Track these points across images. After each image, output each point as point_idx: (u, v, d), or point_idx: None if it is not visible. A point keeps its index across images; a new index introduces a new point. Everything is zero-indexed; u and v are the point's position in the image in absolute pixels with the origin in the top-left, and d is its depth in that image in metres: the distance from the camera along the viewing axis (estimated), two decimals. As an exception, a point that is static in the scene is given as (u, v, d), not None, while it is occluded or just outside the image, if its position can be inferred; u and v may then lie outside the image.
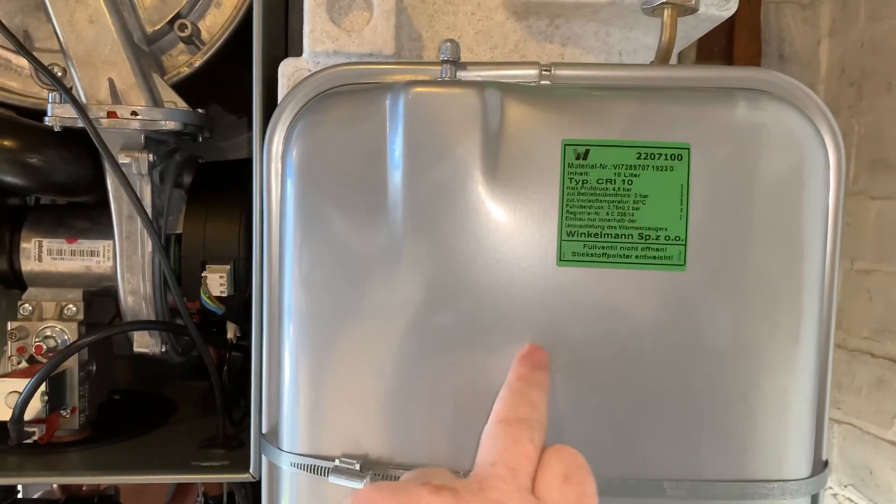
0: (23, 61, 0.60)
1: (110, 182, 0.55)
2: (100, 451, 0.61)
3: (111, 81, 0.55)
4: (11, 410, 0.55)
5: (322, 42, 0.50)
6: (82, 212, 0.63)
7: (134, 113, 0.53)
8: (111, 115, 0.53)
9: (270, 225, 0.48)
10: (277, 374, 0.48)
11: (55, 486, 0.68)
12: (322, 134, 0.45)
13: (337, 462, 0.44)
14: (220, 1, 0.62)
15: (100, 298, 0.65)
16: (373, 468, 0.44)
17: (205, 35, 0.62)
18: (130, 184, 0.53)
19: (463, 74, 0.46)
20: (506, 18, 0.56)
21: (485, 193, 0.43)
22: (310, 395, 0.46)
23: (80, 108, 0.52)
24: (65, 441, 0.62)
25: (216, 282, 0.57)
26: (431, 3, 0.56)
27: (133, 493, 0.69)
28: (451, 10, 0.56)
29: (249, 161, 0.67)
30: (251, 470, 0.54)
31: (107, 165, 0.54)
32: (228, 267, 0.58)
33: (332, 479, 0.44)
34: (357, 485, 0.44)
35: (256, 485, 0.73)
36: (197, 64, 0.61)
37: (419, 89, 0.43)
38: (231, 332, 0.61)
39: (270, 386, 0.49)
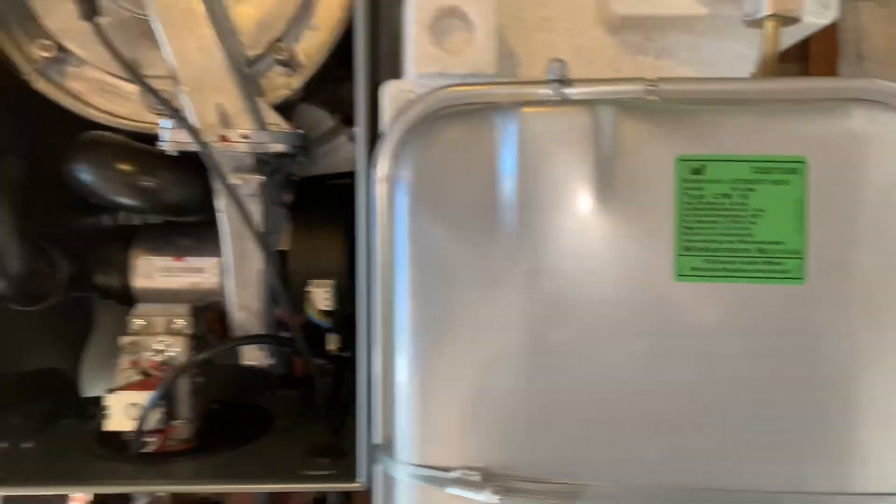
0: (132, 87, 0.63)
1: (221, 202, 0.58)
2: (209, 460, 0.63)
3: (220, 106, 0.57)
4: (131, 421, 0.58)
5: (426, 64, 0.52)
6: (186, 230, 0.66)
7: (245, 137, 0.56)
8: (223, 139, 0.56)
9: (379, 242, 0.50)
10: (390, 385, 0.50)
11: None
12: (434, 155, 0.47)
13: (458, 473, 0.46)
14: (315, 24, 0.64)
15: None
16: (493, 480, 0.45)
17: (301, 57, 0.64)
18: (243, 203, 0.55)
19: (570, 92, 0.47)
20: (601, 34, 0.57)
21: (597, 210, 0.44)
22: (426, 406, 0.48)
23: (195, 134, 0.55)
24: (174, 450, 0.65)
25: (321, 296, 0.59)
26: (526, 20, 0.57)
27: (240, 501, 0.72)
28: (546, 27, 0.57)
29: (347, 178, 0.70)
30: (359, 479, 0.55)
31: (218, 187, 0.57)
32: (332, 282, 0.60)
33: (452, 490, 0.46)
34: (477, 496, 0.45)
35: (347, 494, 0.74)
36: (296, 85, 0.63)
37: (530, 109, 0.45)
38: (332, 344, 0.63)
39: (384, 398, 0.51)
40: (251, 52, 0.62)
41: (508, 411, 0.46)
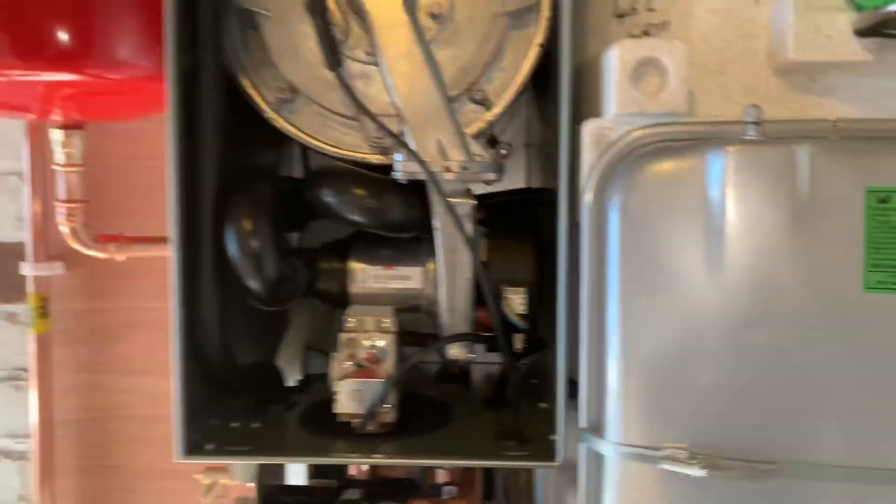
0: (352, 123, 0.74)
1: (437, 221, 0.68)
2: (412, 441, 0.74)
3: (439, 141, 0.68)
4: (355, 404, 0.69)
5: (627, 105, 0.61)
6: (393, 243, 0.77)
7: (463, 167, 0.66)
8: (446, 169, 0.66)
9: (588, 256, 0.60)
10: (598, 377, 0.59)
11: (364, 469, 0.82)
12: (647, 183, 0.56)
13: (668, 451, 0.55)
14: (503, 66, 0.74)
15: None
16: (699, 457, 0.54)
17: (491, 95, 0.74)
18: (461, 223, 0.66)
19: (765, 129, 0.55)
20: (769, 76, 0.65)
21: (795, 232, 0.52)
22: (636, 394, 0.57)
23: (425, 166, 0.65)
24: (379, 433, 0.76)
25: (518, 301, 0.69)
26: (704, 65, 0.66)
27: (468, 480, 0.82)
28: (721, 70, 0.65)
29: (533, 198, 0.80)
30: (558, 458, 0.65)
31: (437, 208, 0.67)
32: (524, 289, 0.70)
33: (664, 465, 0.55)
34: (688, 471, 0.54)
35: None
36: (489, 120, 0.73)
37: (733, 148, 0.53)
38: (518, 343, 0.73)
39: (591, 388, 0.60)
40: (452, 92, 0.73)
41: (710, 398, 0.55)
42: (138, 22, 0.81)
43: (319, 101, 0.74)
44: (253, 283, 0.68)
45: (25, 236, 1.09)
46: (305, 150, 0.93)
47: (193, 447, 0.69)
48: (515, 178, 1.01)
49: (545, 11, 0.72)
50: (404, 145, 0.66)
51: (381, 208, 0.70)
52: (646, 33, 0.68)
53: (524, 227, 0.74)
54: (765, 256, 0.53)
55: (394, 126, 0.70)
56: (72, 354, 1.13)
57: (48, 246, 1.10)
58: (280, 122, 0.74)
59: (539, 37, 0.72)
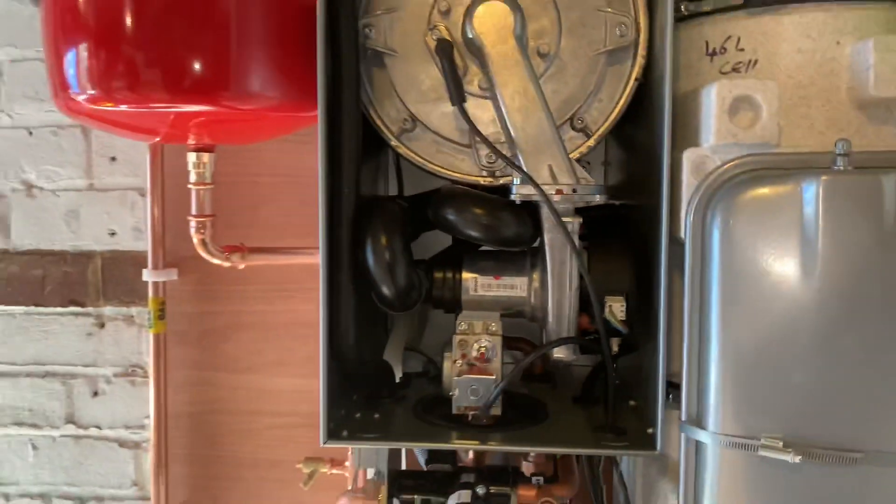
0: (463, 149, 0.83)
1: (548, 238, 0.77)
2: (517, 431, 0.83)
3: (550, 167, 0.77)
4: (471, 399, 0.79)
5: (724, 137, 0.69)
6: (500, 255, 0.86)
7: (574, 190, 0.75)
8: (558, 192, 0.75)
9: (690, 267, 0.68)
10: (700, 374, 0.68)
11: (470, 456, 0.91)
12: (748, 204, 0.64)
13: (764, 440, 0.63)
14: (601, 98, 0.83)
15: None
16: (791, 446, 0.62)
17: (591, 124, 0.83)
18: (571, 237, 0.75)
19: (853, 160, 0.63)
20: (850, 108, 0.72)
21: (882, 252, 0.60)
22: (735, 389, 0.65)
23: (540, 189, 0.74)
24: (484, 424, 0.85)
25: (619, 308, 0.78)
26: (788, 98, 0.73)
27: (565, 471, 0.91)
28: (805, 104, 0.73)
29: (629, 215, 0.88)
30: (657, 448, 0.73)
31: (548, 226, 0.76)
32: (622, 297, 0.79)
33: (762, 453, 0.63)
34: (784, 457, 0.62)
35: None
36: (591, 145, 0.82)
37: (827, 177, 0.61)
38: (615, 346, 0.81)
39: (692, 384, 0.68)
40: (556, 123, 0.82)
41: (801, 394, 0.63)
42: (267, 57, 0.91)
43: (436, 131, 0.83)
44: (386, 290, 0.78)
45: (146, 246, 1.21)
46: (399, 171, 1.04)
47: (331, 434, 0.78)
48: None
49: (641, 50, 0.80)
50: (522, 171, 0.75)
51: (496, 225, 0.79)
52: (735, 70, 0.76)
53: (619, 240, 0.83)
54: (853, 271, 0.60)
55: (503, 151, 0.80)
56: (184, 353, 1.25)
57: (165, 254, 1.21)
58: (403, 150, 0.84)
59: (636, 72, 0.81)
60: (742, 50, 0.75)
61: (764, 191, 0.64)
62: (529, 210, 0.79)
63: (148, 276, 1.20)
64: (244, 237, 1.16)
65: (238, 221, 1.20)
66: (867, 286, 0.60)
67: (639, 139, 0.87)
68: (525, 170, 0.77)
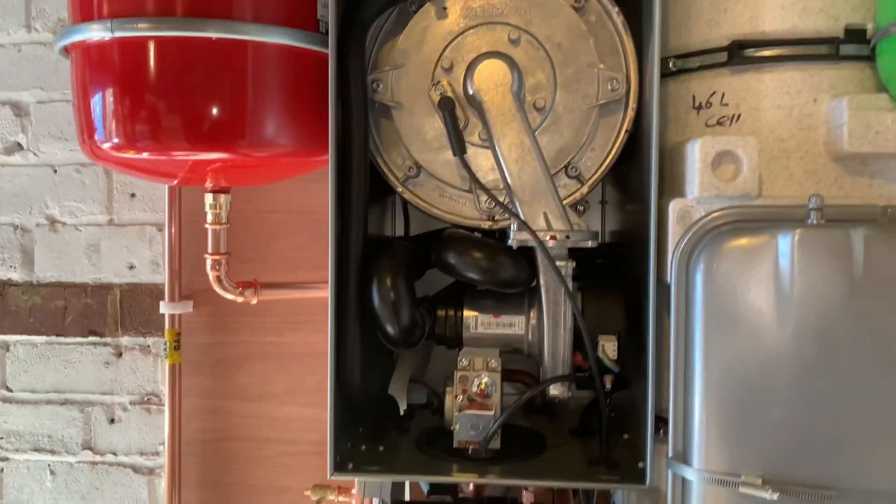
0: (465, 194, 0.88)
1: (543, 280, 0.82)
2: (516, 464, 0.87)
3: (545, 214, 0.82)
4: (471, 433, 0.83)
5: (707, 189, 0.74)
6: (496, 293, 0.90)
7: (567, 236, 0.80)
8: (552, 238, 0.80)
9: (674, 308, 0.72)
10: (685, 414, 0.72)
11: (470, 488, 0.95)
12: (726, 256, 0.69)
13: (744, 477, 0.67)
14: (594, 147, 0.88)
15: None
16: (770, 483, 0.66)
17: (584, 172, 0.88)
18: (565, 280, 0.79)
19: (826, 214, 0.67)
20: (827, 161, 0.77)
21: (853, 300, 0.64)
22: (718, 428, 0.69)
23: (535, 235, 0.79)
24: (484, 457, 0.89)
25: (611, 348, 0.82)
26: (769, 151, 0.78)
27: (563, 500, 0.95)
28: (785, 156, 0.78)
29: (621, 259, 0.93)
30: (647, 483, 0.77)
31: (543, 269, 0.81)
32: (615, 337, 0.83)
33: (742, 489, 0.67)
34: (762, 494, 0.66)
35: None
36: (584, 192, 0.87)
37: (802, 231, 0.66)
38: (608, 383, 0.85)
39: (678, 423, 0.73)
40: (552, 171, 0.87)
41: (780, 433, 0.67)
42: (281, 107, 0.97)
43: (439, 177, 0.88)
44: (390, 329, 0.83)
45: (163, 279, 1.26)
46: (407, 213, 1.09)
47: (338, 466, 0.82)
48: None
49: (632, 103, 0.85)
50: (519, 218, 0.80)
51: (495, 269, 0.84)
52: (720, 124, 0.81)
53: (613, 281, 0.87)
54: (827, 317, 0.65)
55: (499, 197, 0.85)
56: (198, 382, 1.29)
57: (181, 287, 1.27)
58: (408, 195, 0.89)
59: (626, 124, 0.86)
60: (726, 105, 0.80)
61: (743, 241, 0.68)
62: (526, 254, 0.83)
63: (165, 308, 1.25)
64: (258, 270, 1.21)
65: (252, 255, 1.25)
66: (839, 332, 0.65)
67: (631, 182, 0.91)
68: (521, 216, 0.82)
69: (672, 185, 0.82)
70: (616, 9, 0.85)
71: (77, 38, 0.91)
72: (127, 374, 1.34)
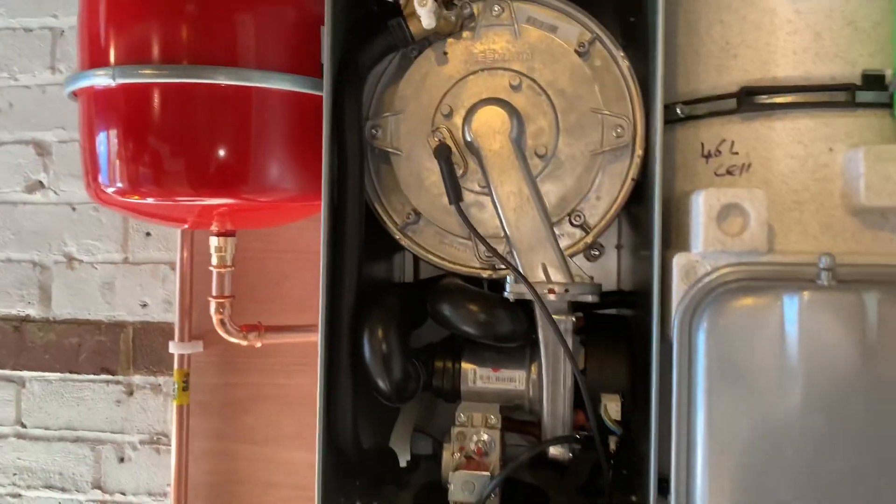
0: (464, 241, 0.86)
1: (542, 335, 0.78)
2: (515, 525, 0.82)
3: (543, 265, 0.78)
4: (466, 494, 0.79)
5: (711, 244, 0.70)
6: (501, 347, 0.87)
7: (566, 290, 0.76)
8: (550, 291, 0.76)
9: (677, 368, 0.68)
10: (687, 480, 0.67)
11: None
12: (731, 312, 0.65)
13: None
14: (600, 195, 0.84)
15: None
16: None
17: (589, 220, 0.84)
18: (563, 336, 0.76)
19: (837, 274, 0.63)
20: (844, 214, 0.72)
21: (865, 369, 0.59)
22: (719, 486, 0.64)
23: (533, 288, 0.76)
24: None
25: (614, 409, 0.78)
26: (783, 203, 0.74)
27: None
28: (799, 209, 0.73)
29: (625, 317, 0.89)
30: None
31: (542, 323, 0.77)
32: (619, 396, 0.79)
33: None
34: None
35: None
36: (588, 242, 0.83)
37: (809, 294, 0.61)
38: (612, 444, 0.81)
39: (679, 486, 0.68)
40: (554, 219, 0.84)
41: (779, 490, 0.62)
42: (284, 153, 0.96)
43: (439, 224, 0.86)
44: (381, 383, 0.80)
45: (174, 318, 1.26)
46: (417, 259, 1.06)
47: (328, 524, 0.79)
48: (607, 279, 1.10)
49: (638, 150, 0.82)
50: (515, 270, 0.77)
51: (491, 322, 0.80)
52: (729, 173, 0.77)
53: (619, 337, 0.83)
54: (837, 387, 0.60)
55: (500, 247, 0.82)
56: (206, 423, 1.28)
57: (191, 327, 1.26)
58: (405, 241, 0.86)
59: (632, 172, 0.82)
60: (736, 153, 0.76)
61: (747, 301, 0.64)
62: (525, 306, 0.80)
63: (174, 348, 1.24)
64: (269, 311, 1.20)
65: (264, 296, 1.24)
66: (850, 403, 0.60)
67: (642, 228, 0.88)
68: (519, 267, 0.78)
69: (679, 236, 0.78)
70: (621, 53, 0.82)
71: (83, 83, 0.92)
72: (137, 413, 1.34)
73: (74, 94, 0.96)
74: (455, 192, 0.79)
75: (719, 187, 0.72)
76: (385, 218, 0.87)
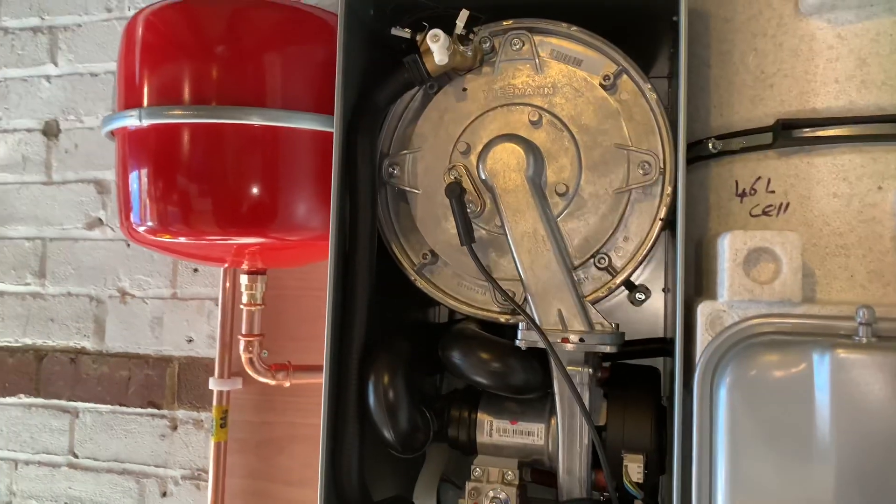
0: (482, 284, 0.81)
1: (557, 388, 0.73)
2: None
3: (559, 312, 0.73)
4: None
5: (739, 293, 0.63)
6: (516, 398, 0.81)
7: (581, 339, 0.71)
8: (564, 340, 0.71)
9: (697, 428, 0.61)
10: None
11: None
12: (754, 375, 0.57)
13: None
14: (628, 235, 0.78)
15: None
16: None
17: (616, 263, 0.78)
18: (578, 391, 0.70)
19: (880, 327, 0.55)
20: (894, 260, 0.64)
21: (909, 440, 0.51)
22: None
23: (545, 338, 0.71)
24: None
25: (635, 470, 0.71)
26: (824, 246, 0.66)
27: None
28: (844, 253, 0.66)
29: (653, 368, 0.82)
30: None
31: (557, 375, 0.72)
32: (642, 457, 0.72)
33: None
34: None
35: None
36: (612, 287, 0.77)
37: (843, 353, 0.54)
38: (637, 506, 0.74)
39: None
40: (576, 261, 0.78)
41: None
42: (311, 193, 0.95)
43: (456, 265, 0.82)
44: (386, 433, 0.76)
45: (215, 353, 1.26)
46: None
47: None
48: (655, 325, 1.03)
49: (668, 188, 0.76)
50: (526, 315, 0.72)
51: (503, 372, 0.75)
52: (766, 214, 0.70)
53: (645, 390, 0.76)
54: (875, 458, 0.52)
55: (518, 289, 0.77)
56: (243, 461, 1.27)
57: (231, 363, 1.26)
58: (421, 283, 0.83)
59: (661, 211, 0.76)
60: (773, 192, 0.70)
61: (774, 357, 0.57)
62: (540, 356, 0.75)
63: (213, 384, 1.24)
64: (304, 349, 1.19)
65: (298, 334, 1.23)
66: (890, 476, 0.51)
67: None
68: (533, 313, 0.73)
69: (709, 283, 0.71)
70: (648, 85, 0.77)
71: (117, 124, 0.94)
72: (180, 448, 1.34)
73: (112, 134, 0.99)
74: (467, 232, 0.76)
75: (750, 229, 0.65)
76: (402, 258, 0.84)
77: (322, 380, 1.15)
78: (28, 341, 1.45)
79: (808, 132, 0.67)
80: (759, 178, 0.71)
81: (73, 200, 1.43)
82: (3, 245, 1.47)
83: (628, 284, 0.81)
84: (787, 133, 0.68)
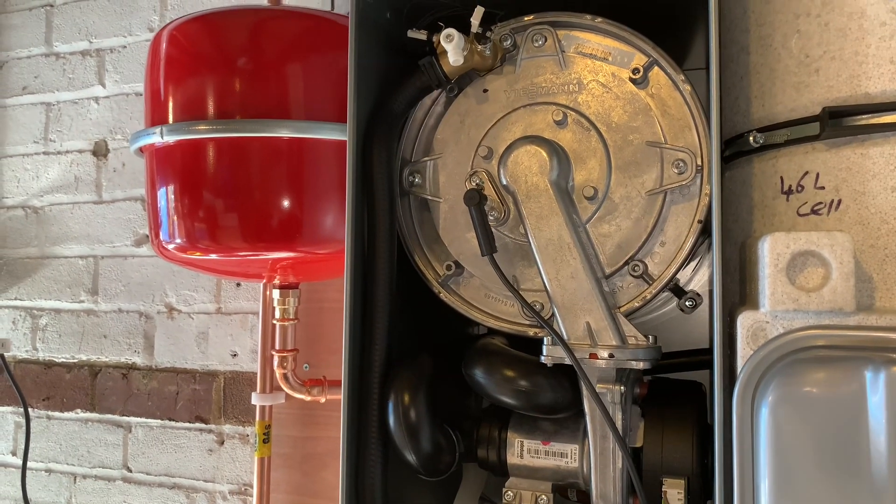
0: (508, 295, 0.77)
1: (588, 407, 0.68)
2: None
3: (588, 325, 0.68)
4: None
5: (782, 302, 0.56)
6: (550, 418, 0.76)
7: (611, 355, 0.65)
8: (592, 356, 0.66)
9: (737, 452, 0.55)
10: None
11: None
12: (798, 394, 0.51)
13: None
14: (664, 240, 0.73)
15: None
16: None
17: (652, 270, 0.73)
18: (608, 411, 0.64)
19: (942, 344, 0.48)
20: (970, 261, 0.56)
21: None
22: None
23: (571, 354, 0.66)
24: None
25: (675, 496, 0.65)
26: (882, 247, 0.59)
27: None
28: (905, 255, 0.58)
29: (697, 384, 0.75)
30: None
31: (586, 395, 0.67)
32: (683, 482, 0.66)
33: None
34: None
35: None
36: (648, 297, 0.72)
37: (901, 368, 0.47)
38: (680, 537, 0.68)
39: None
40: (609, 269, 0.73)
41: None
42: (336, 205, 0.93)
43: (482, 276, 0.78)
44: (409, 456, 0.72)
45: (257, 367, 1.26)
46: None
47: None
48: (706, 335, 0.96)
49: (706, 187, 0.70)
50: (550, 328, 0.67)
51: (530, 391, 0.70)
52: (814, 212, 0.63)
53: (687, 408, 0.70)
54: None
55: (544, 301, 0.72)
56: (288, 476, 1.26)
57: (273, 378, 1.25)
58: (444, 296, 0.79)
59: (699, 213, 0.70)
60: (822, 188, 0.63)
61: (820, 375, 0.50)
62: (570, 373, 0.70)
63: (256, 399, 1.24)
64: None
65: (339, 347, 1.21)
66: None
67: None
68: (560, 326, 0.69)
69: (752, 290, 0.65)
70: (682, 76, 0.71)
71: (144, 141, 0.94)
72: (227, 463, 1.35)
73: (141, 151, 0.99)
74: (487, 241, 0.71)
75: (798, 230, 0.58)
76: (425, 270, 0.80)
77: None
78: (83, 357, 1.48)
79: (860, 120, 0.60)
80: (806, 173, 0.64)
81: (122, 218, 1.46)
82: (58, 264, 1.51)
83: (676, 290, 0.75)
84: (837, 122, 0.61)
